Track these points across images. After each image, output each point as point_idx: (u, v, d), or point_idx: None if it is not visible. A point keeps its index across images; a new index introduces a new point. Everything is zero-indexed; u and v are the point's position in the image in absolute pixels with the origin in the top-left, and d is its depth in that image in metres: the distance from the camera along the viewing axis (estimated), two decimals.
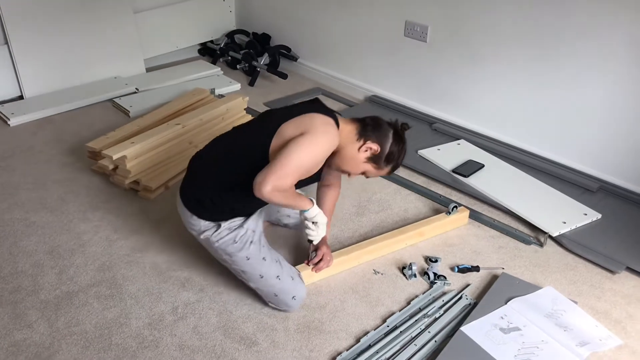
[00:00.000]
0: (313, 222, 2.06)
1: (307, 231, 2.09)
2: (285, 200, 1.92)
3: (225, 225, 2.05)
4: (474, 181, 2.89)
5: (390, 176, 2.95)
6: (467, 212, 2.65)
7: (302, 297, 2.13)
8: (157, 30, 4.16)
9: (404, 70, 3.63)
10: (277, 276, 2.08)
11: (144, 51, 4.08)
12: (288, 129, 1.93)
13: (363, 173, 2.08)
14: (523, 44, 3.03)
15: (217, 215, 2.06)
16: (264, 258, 2.08)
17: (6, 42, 3.53)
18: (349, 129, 2.03)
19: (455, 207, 2.61)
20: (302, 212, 2.04)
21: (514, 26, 3.04)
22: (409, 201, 2.82)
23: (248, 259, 2.06)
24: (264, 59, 4.11)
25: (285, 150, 1.86)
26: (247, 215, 2.11)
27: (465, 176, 2.92)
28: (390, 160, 2.04)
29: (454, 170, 2.97)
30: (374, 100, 3.76)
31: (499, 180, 2.90)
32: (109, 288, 2.20)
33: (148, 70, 4.09)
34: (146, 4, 4.09)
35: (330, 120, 1.98)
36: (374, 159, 2.02)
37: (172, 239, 2.47)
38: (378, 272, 2.34)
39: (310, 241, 2.14)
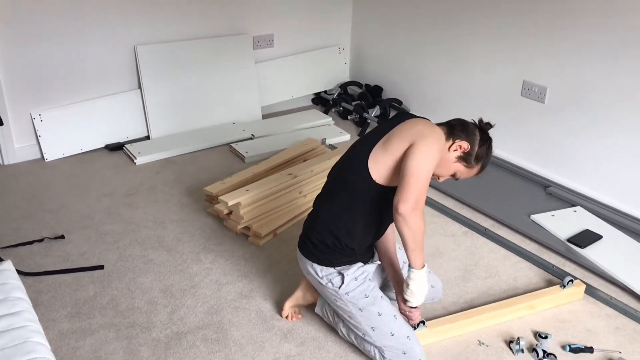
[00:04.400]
0: (408, 284, 2.00)
1: (405, 290, 2.03)
2: (418, 229, 1.89)
3: (349, 274, 2.04)
4: (591, 253, 2.73)
5: (499, 240, 2.87)
6: (583, 287, 2.50)
7: None
8: (275, 79, 4.35)
9: (518, 130, 3.54)
10: (408, 336, 2.05)
11: (262, 99, 4.28)
12: (393, 144, 1.95)
13: (453, 175, 2.08)
14: None
15: (336, 259, 2.06)
16: (395, 316, 2.07)
17: (139, 87, 3.84)
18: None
19: (571, 280, 2.47)
20: (409, 269, 1.99)
21: (638, 89, 2.90)
22: (519, 269, 2.71)
23: (380, 315, 2.05)
24: (375, 111, 4.17)
25: (408, 167, 1.87)
26: (365, 259, 2.11)
27: (581, 247, 2.77)
28: (480, 158, 2.04)
29: (569, 240, 2.83)
30: None
31: (618, 254, 2.73)
32: (215, 332, 2.28)
33: (264, 117, 4.28)
34: (267, 55, 4.30)
35: (429, 122, 2.03)
36: (464, 158, 2.03)
37: (278, 287, 2.53)
38: (483, 344, 2.26)
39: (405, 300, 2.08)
